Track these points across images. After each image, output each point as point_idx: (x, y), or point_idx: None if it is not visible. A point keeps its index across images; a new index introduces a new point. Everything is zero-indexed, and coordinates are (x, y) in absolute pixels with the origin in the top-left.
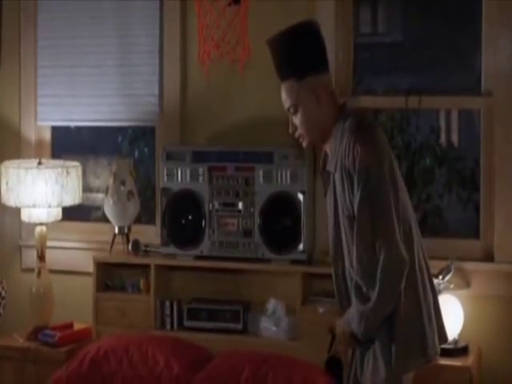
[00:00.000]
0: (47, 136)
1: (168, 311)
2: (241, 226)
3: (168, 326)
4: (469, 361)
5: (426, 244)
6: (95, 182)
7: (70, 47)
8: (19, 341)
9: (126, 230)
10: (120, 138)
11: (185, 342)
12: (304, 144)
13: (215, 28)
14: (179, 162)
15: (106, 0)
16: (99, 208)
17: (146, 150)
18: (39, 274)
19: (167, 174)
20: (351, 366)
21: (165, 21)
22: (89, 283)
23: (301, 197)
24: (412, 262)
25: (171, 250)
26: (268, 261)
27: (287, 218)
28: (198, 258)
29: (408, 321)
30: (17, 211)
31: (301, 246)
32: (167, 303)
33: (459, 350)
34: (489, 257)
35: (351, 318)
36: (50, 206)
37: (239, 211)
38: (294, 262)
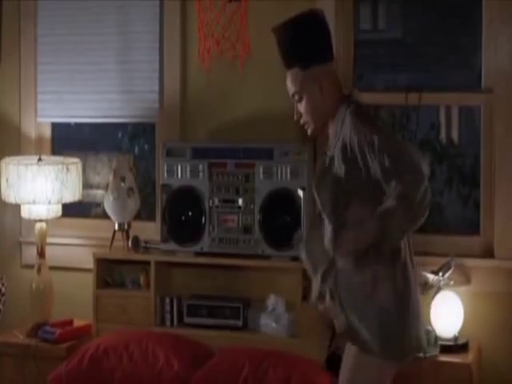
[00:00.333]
0: (47, 132)
1: (168, 308)
2: (241, 223)
3: (168, 323)
4: (469, 357)
5: (425, 241)
6: (95, 179)
7: (70, 44)
8: (19, 337)
9: (126, 227)
10: (120, 135)
11: (185, 338)
12: (309, 131)
13: (215, 25)
14: (179, 158)
15: None
16: (99, 204)
17: (146, 146)
18: (39, 270)
19: (167, 171)
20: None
21: (165, 17)
22: (89, 280)
23: (301, 193)
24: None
25: (171, 246)
26: (268, 257)
27: (287, 215)
28: (198, 254)
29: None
30: (17, 208)
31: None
32: (167, 300)
33: (459, 347)
34: (489, 253)
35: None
36: (50, 203)
37: (239, 207)
38: (295, 258)
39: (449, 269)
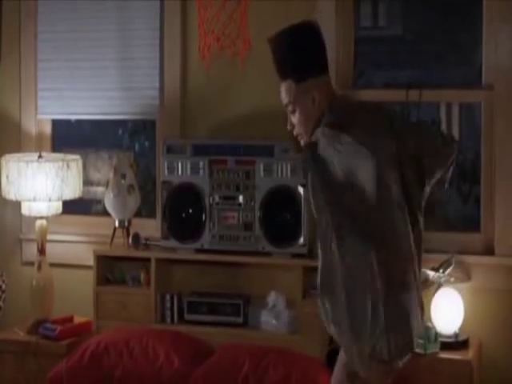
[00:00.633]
0: (47, 129)
1: (168, 305)
2: (241, 220)
3: (168, 320)
4: (469, 354)
5: (426, 237)
6: (95, 176)
7: (70, 41)
8: (20, 334)
9: (126, 224)
10: (120, 132)
11: (185, 335)
12: (302, 142)
13: (215, 21)
14: (180, 155)
15: None
16: (99, 201)
17: (146, 143)
18: (39, 267)
19: (167, 168)
20: None
21: (165, 14)
22: (89, 277)
23: (301, 190)
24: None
25: (171, 243)
26: (268, 254)
27: (288, 212)
28: (199, 251)
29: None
30: (17, 205)
31: (301, 240)
32: (168, 297)
33: (460, 344)
34: (489, 250)
35: None
36: (50, 200)
37: (240, 204)
38: (295, 255)
39: (449, 266)
